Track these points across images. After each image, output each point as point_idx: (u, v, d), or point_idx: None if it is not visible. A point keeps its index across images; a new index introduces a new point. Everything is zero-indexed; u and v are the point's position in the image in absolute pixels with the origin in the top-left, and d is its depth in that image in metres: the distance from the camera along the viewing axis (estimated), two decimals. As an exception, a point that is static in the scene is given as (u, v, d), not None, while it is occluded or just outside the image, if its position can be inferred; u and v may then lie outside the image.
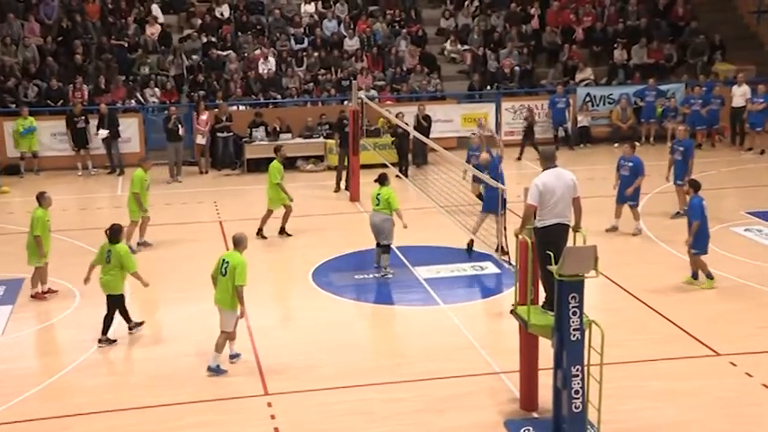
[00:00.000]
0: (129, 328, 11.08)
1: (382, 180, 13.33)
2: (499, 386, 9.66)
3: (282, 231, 15.11)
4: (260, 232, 14.92)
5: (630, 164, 14.74)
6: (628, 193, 14.68)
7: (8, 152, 20.13)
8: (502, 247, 11.97)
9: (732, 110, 22.06)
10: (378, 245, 13.29)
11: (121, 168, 20.03)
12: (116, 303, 10.82)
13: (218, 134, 20.27)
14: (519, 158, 20.61)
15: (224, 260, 9.95)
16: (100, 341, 10.80)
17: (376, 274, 13.21)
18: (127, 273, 10.78)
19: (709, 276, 12.53)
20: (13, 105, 20.31)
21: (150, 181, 14.58)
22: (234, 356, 10.36)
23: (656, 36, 24.53)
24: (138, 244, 14.36)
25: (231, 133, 20.40)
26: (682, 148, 15.63)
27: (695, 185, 12.63)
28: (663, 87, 22.65)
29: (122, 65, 21.96)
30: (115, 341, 10.90)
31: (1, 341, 11.09)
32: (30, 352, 10.89)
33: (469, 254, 13.82)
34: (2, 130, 20.02)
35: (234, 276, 9.74)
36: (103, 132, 19.81)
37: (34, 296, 12.26)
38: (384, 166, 18.21)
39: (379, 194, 13.21)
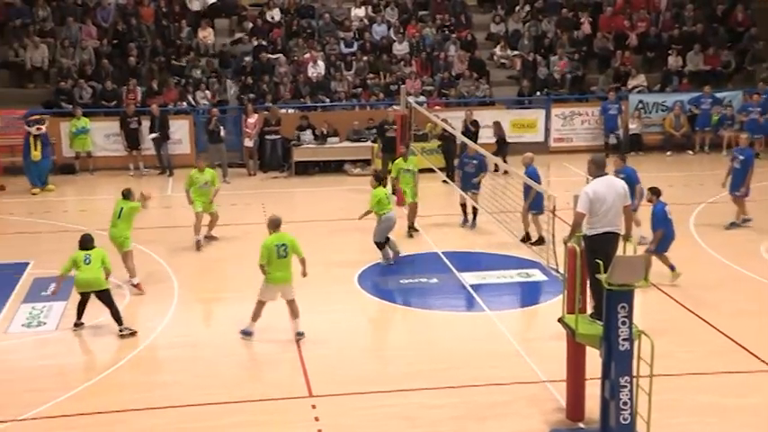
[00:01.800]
0: (75, 324, 11.38)
1: (383, 180, 14.14)
2: (545, 395, 9.55)
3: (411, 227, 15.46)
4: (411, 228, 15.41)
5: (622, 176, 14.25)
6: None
7: (64, 152, 20.54)
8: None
9: (792, 118, 21.54)
10: (387, 240, 13.80)
11: (170, 169, 20.30)
12: (107, 296, 11.22)
13: (267, 137, 20.44)
14: (496, 171, 20.01)
15: (279, 244, 10.80)
16: (121, 331, 11.12)
17: (409, 280, 13.22)
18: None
19: (672, 269, 12.64)
20: (69, 106, 20.73)
21: (207, 180, 14.89)
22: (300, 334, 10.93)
23: (713, 42, 24.06)
24: (206, 237, 14.90)
25: (279, 136, 20.56)
26: (742, 157, 15.27)
27: (656, 192, 12.55)
28: (719, 95, 22.20)
29: (174, 67, 22.28)
30: (136, 332, 11.20)
31: (55, 336, 11.32)
32: (81, 347, 11.08)
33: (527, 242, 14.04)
34: (58, 131, 20.41)
35: (296, 252, 10.86)
36: (153, 134, 20.09)
37: (135, 286, 12.67)
38: (431, 171, 18.21)
39: (387, 195, 13.86)
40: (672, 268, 12.67)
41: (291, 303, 11.00)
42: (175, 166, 20.34)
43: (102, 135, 20.72)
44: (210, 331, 11.63)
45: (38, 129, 18.88)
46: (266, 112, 20.68)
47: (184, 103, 21.48)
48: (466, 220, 15.86)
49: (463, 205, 15.82)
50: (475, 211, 15.65)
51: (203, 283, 13.50)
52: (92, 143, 20.50)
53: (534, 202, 14.11)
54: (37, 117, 19.23)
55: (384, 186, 13.97)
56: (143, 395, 9.67)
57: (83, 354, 10.91)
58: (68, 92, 21.19)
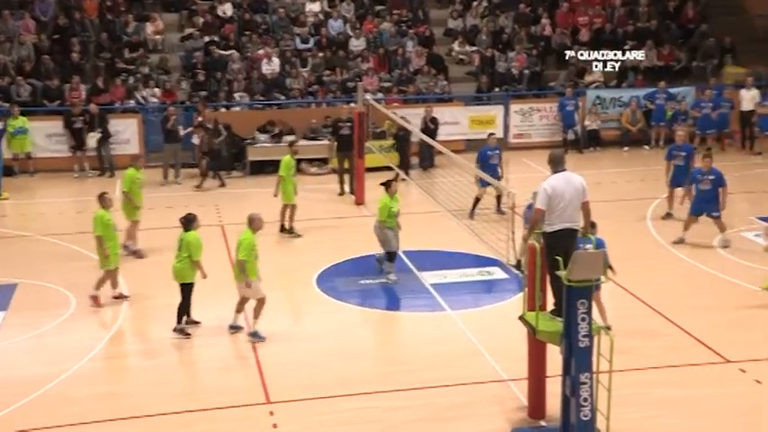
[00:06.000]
0: (178, 327, 11.07)
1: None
2: (507, 394, 9.50)
3: (284, 229, 15.15)
4: (283, 228, 15.08)
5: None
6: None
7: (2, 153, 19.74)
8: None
9: (741, 113, 21.81)
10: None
11: (112, 170, 19.67)
12: (185, 292, 11.00)
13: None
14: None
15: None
16: (174, 329, 10.95)
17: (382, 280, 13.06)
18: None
19: None
20: (6, 105, 19.93)
21: (144, 181, 14.35)
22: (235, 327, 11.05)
23: (667, 38, 24.25)
24: (124, 246, 13.93)
25: (222, 137, 19.85)
26: (684, 153, 15.57)
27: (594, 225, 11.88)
28: (673, 90, 22.37)
29: (121, 64, 21.70)
30: (189, 335, 10.99)
31: (-6, 346, 10.87)
32: (23, 360, 10.63)
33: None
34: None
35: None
36: (95, 135, 19.52)
37: (93, 298, 12.05)
38: (389, 168, 18.02)
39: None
40: None
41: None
42: (123, 167, 19.61)
43: (44, 135, 19.95)
44: (159, 340, 11.19)
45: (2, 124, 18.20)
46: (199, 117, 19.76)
47: (132, 102, 20.97)
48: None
49: (477, 199, 15.72)
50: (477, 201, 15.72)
51: (151, 288, 12.94)
52: (31, 144, 19.72)
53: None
54: None
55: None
56: (91, 407, 9.35)
57: (26, 366, 10.44)
58: (5, 89, 20.41)
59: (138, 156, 15.25)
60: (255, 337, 10.81)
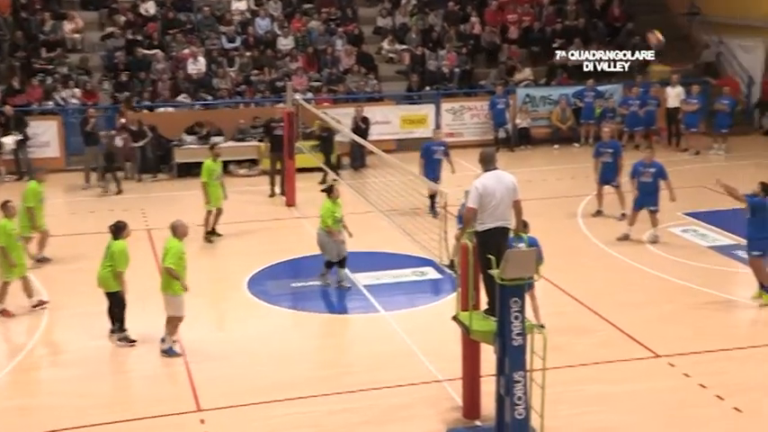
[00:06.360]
0: (111, 331, 10.80)
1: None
2: (442, 394, 9.45)
3: (211, 232, 14.81)
4: (212, 233, 14.73)
5: None
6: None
7: None
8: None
9: (667, 111, 22.27)
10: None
11: (31, 175, 18.92)
12: (111, 301, 10.70)
13: (133, 143, 19.03)
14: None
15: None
16: (119, 339, 10.66)
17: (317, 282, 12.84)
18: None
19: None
20: None
21: (45, 194, 13.76)
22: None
23: (594, 36, 24.63)
24: (38, 260, 13.42)
25: (146, 138, 19.33)
26: (611, 150, 15.76)
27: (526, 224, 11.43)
28: (601, 88, 22.71)
29: (38, 63, 20.88)
30: (134, 341, 10.69)
31: None
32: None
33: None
34: None
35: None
36: (10, 139, 18.73)
37: (1, 312, 11.52)
38: (320, 169, 17.83)
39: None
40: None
41: None
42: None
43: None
44: (80, 350, 10.75)
45: None
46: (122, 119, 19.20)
47: (51, 103, 20.22)
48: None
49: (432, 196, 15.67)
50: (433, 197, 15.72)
51: (71, 296, 12.41)
52: None
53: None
54: None
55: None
56: (9, 422, 8.96)
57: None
58: None
59: (39, 168, 14.59)
60: (170, 353, 10.37)
